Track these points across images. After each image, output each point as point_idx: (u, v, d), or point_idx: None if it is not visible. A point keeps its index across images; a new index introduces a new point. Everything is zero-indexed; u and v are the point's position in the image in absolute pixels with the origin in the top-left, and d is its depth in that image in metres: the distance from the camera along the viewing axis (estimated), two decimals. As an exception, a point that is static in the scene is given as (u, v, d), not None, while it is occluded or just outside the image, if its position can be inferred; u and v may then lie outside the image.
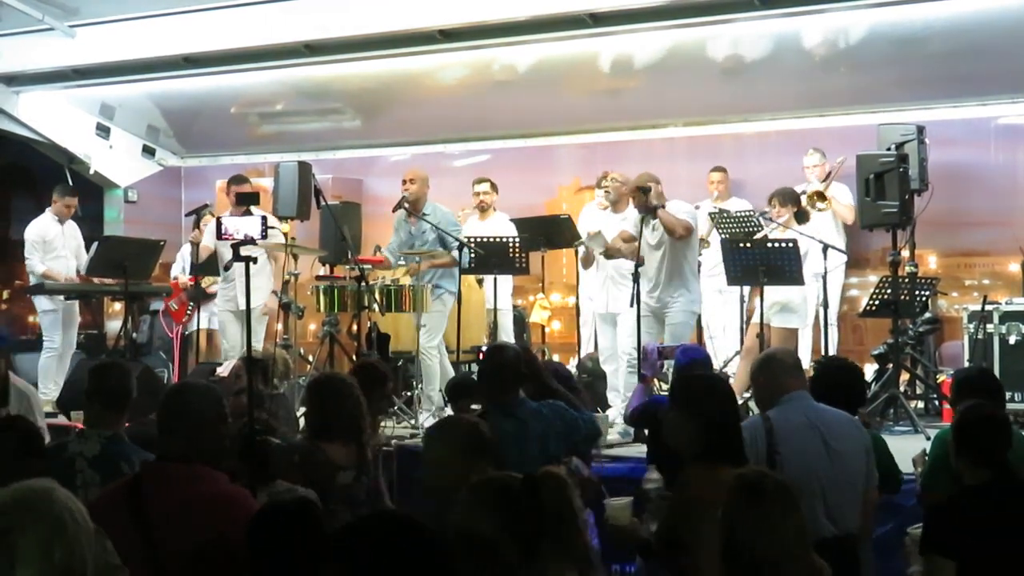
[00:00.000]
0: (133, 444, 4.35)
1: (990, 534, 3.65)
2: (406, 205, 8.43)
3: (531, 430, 4.55)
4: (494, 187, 9.49)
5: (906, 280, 8.12)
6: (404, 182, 8.53)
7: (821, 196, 8.88)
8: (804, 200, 8.81)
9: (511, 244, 8.35)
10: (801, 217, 8.51)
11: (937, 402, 8.09)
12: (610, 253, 8.16)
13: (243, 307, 8.88)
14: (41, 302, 9.80)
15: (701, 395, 3.96)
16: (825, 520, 4.16)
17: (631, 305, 7.74)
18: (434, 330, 8.42)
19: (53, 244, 9.89)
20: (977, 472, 3.86)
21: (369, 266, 8.56)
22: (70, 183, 11.27)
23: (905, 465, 5.17)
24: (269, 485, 4.14)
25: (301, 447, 4.71)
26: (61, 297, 9.71)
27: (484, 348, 6.37)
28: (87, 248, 9.99)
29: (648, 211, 7.69)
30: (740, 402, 7.41)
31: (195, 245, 9.39)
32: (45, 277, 9.75)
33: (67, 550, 2.38)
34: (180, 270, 10.18)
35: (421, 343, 8.37)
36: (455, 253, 8.32)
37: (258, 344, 8.53)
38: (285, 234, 8.83)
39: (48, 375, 9.60)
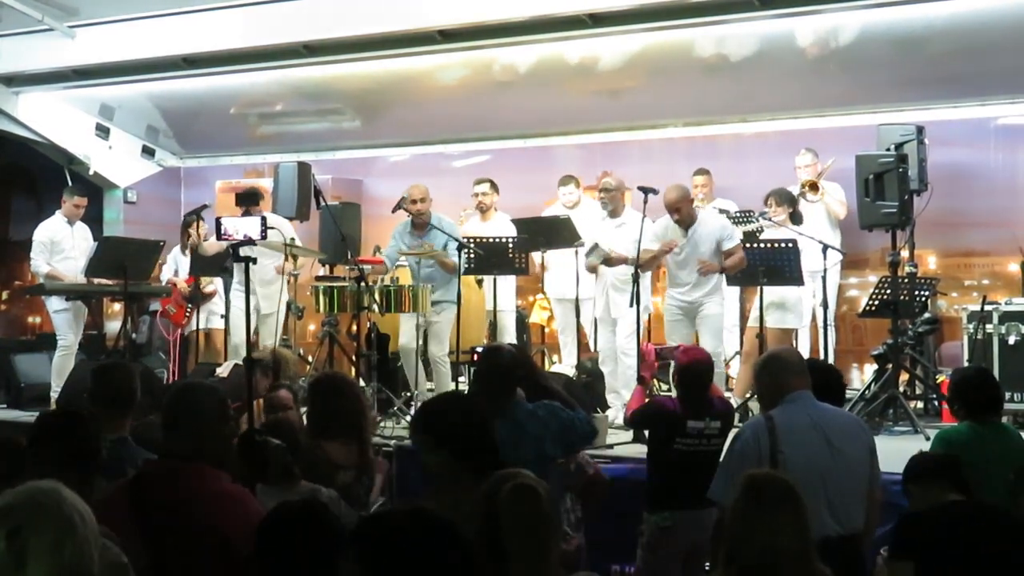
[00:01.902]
0: (139, 446, 4.33)
1: (957, 549, 3.65)
2: (406, 206, 8.45)
3: (526, 432, 4.54)
4: (494, 187, 9.47)
5: (906, 280, 8.12)
6: (414, 202, 8.47)
7: (814, 186, 8.89)
8: (796, 190, 8.85)
9: (509, 244, 8.36)
10: (796, 218, 8.53)
11: (937, 402, 8.10)
12: (611, 262, 8.19)
13: (261, 309, 8.96)
14: (53, 302, 9.78)
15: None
16: (829, 519, 4.17)
17: (631, 306, 7.76)
18: (442, 338, 8.46)
19: (61, 245, 9.88)
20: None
21: (369, 267, 8.56)
22: (70, 184, 11.27)
23: (902, 466, 5.16)
24: (294, 486, 4.15)
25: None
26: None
27: (480, 349, 6.36)
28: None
29: (689, 225, 7.89)
30: (741, 404, 7.49)
31: (194, 249, 9.38)
32: (49, 277, 9.75)
33: (77, 549, 2.39)
34: (172, 272, 10.16)
35: (433, 353, 8.41)
36: (454, 258, 8.35)
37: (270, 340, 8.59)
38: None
39: (62, 374, 9.59)
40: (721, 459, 4.73)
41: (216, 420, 3.64)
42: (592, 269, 8.48)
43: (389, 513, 2.19)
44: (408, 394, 8.51)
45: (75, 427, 3.65)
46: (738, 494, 3.28)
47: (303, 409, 5.65)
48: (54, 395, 9.53)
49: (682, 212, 7.89)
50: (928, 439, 6.21)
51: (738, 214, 9.24)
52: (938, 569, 3.62)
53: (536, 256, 9.07)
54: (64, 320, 9.73)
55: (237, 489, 3.61)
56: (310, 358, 9.62)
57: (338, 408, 4.77)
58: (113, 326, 11.41)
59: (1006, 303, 8.20)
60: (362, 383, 7.81)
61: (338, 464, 4.67)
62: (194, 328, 9.90)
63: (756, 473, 3.43)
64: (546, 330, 10.12)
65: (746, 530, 3.20)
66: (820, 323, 8.62)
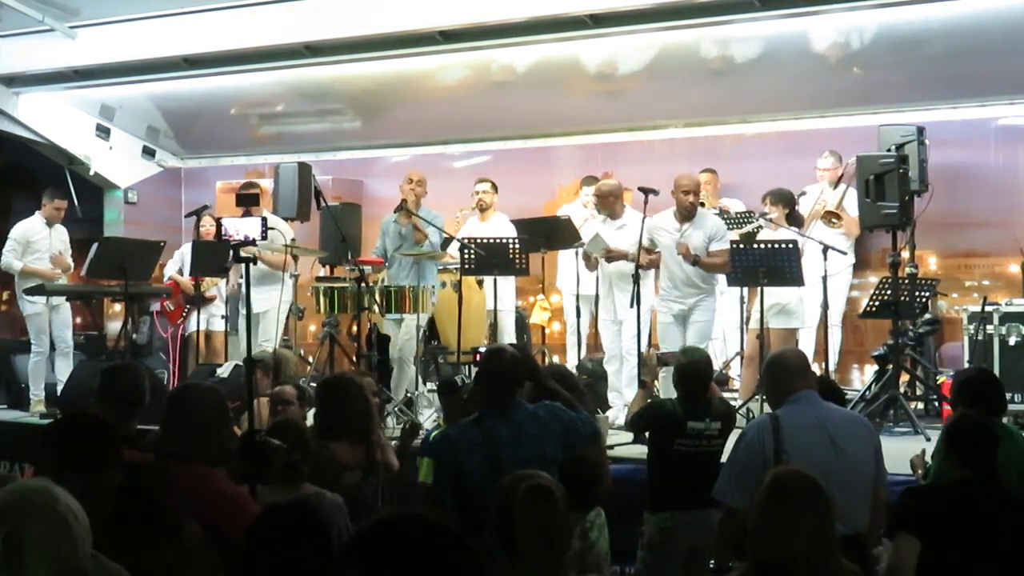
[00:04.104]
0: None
1: (962, 527, 3.72)
2: (406, 206, 8.47)
3: (526, 433, 4.52)
4: (495, 187, 9.48)
5: (906, 281, 8.11)
6: (410, 181, 8.56)
7: (835, 215, 8.86)
8: (812, 218, 8.81)
9: (511, 245, 8.36)
10: (793, 218, 8.54)
11: (937, 403, 8.09)
12: (611, 257, 8.20)
13: (261, 308, 8.94)
14: (25, 305, 9.70)
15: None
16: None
17: (631, 306, 7.76)
18: (414, 336, 8.47)
19: (36, 246, 9.79)
20: (963, 471, 3.94)
21: (370, 267, 8.56)
22: (70, 184, 11.26)
23: (903, 466, 5.17)
24: (298, 488, 4.14)
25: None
26: (44, 300, 9.63)
27: (482, 349, 6.36)
28: (87, 249, 9.95)
29: (689, 219, 7.97)
30: (742, 404, 7.50)
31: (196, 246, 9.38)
32: (24, 274, 9.68)
33: (71, 547, 2.40)
34: (175, 270, 10.15)
35: (403, 351, 8.40)
36: (451, 251, 8.37)
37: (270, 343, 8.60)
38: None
39: (39, 378, 9.59)
40: (725, 458, 4.73)
41: (214, 421, 3.64)
42: (588, 258, 8.47)
43: (390, 519, 2.17)
44: (408, 394, 8.51)
45: (97, 430, 3.63)
46: (762, 491, 3.28)
47: (311, 410, 5.65)
48: (34, 398, 9.51)
49: (698, 197, 8.05)
50: (929, 440, 6.21)
51: (738, 214, 9.25)
52: (941, 546, 3.66)
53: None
54: (36, 325, 9.66)
55: (235, 490, 3.61)
56: (311, 359, 9.62)
57: (346, 409, 4.78)
58: (113, 326, 11.40)
59: (1006, 304, 8.19)
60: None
61: (345, 465, 4.67)
62: (194, 329, 9.90)
63: (781, 471, 3.43)
64: (546, 330, 10.12)
65: (768, 527, 3.19)
66: (824, 324, 8.63)
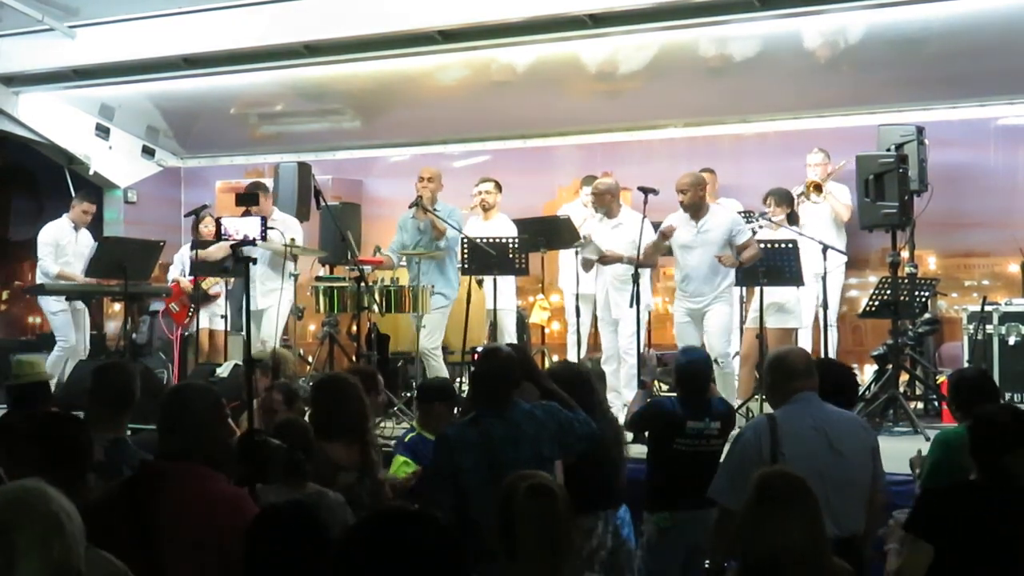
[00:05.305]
0: (138, 448, 4.31)
1: (976, 531, 3.67)
2: (421, 202, 8.49)
3: (523, 433, 4.52)
4: (498, 187, 9.47)
5: (906, 281, 8.12)
6: (421, 179, 8.60)
7: (818, 187, 8.89)
8: (800, 189, 8.84)
9: (510, 245, 8.36)
10: (792, 219, 8.54)
11: (937, 403, 8.09)
12: (606, 260, 8.19)
13: (263, 305, 8.95)
14: (50, 304, 9.75)
15: None
16: (828, 521, 4.15)
17: (631, 306, 7.76)
18: (435, 331, 8.49)
19: (66, 250, 9.85)
20: (983, 473, 3.86)
21: (369, 267, 8.56)
22: (70, 184, 11.25)
23: (902, 466, 5.17)
24: (301, 488, 4.14)
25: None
26: (64, 298, 9.67)
27: (479, 349, 6.35)
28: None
29: (698, 216, 7.82)
30: (743, 405, 7.50)
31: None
32: (60, 278, 9.72)
33: (64, 547, 2.40)
34: (179, 272, 10.16)
35: (423, 345, 8.40)
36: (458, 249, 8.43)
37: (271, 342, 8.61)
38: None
39: (55, 371, 9.58)
40: (722, 459, 4.73)
41: (212, 421, 3.63)
42: (587, 265, 8.48)
43: (382, 513, 2.18)
44: (408, 394, 8.50)
45: (63, 428, 3.62)
46: (749, 492, 3.28)
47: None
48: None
49: (687, 196, 7.79)
50: (928, 439, 6.19)
51: (737, 214, 9.25)
52: (957, 551, 3.62)
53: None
54: (63, 321, 9.71)
55: (234, 491, 3.60)
56: (310, 358, 9.62)
57: (340, 409, 4.78)
58: (113, 326, 11.40)
59: (1006, 304, 8.20)
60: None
61: (340, 465, 4.66)
62: (196, 328, 9.89)
63: (767, 471, 3.42)
64: (546, 330, 10.12)
65: (756, 528, 3.19)
66: (821, 324, 8.63)
